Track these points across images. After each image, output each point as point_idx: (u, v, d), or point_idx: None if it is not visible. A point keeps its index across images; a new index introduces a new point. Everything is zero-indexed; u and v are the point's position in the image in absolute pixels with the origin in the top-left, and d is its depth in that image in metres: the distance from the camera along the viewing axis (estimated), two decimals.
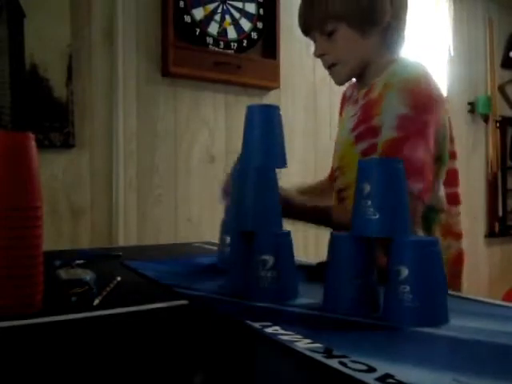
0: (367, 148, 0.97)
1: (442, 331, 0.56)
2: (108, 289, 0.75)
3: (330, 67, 1.03)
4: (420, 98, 0.90)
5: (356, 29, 0.97)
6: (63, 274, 0.75)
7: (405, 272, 0.59)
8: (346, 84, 1.11)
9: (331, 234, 0.68)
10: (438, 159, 0.94)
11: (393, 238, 0.62)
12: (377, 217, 0.62)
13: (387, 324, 0.59)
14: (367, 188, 0.64)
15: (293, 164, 2.29)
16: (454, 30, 2.84)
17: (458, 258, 1.00)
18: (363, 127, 0.99)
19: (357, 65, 1.02)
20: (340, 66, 1.01)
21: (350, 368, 0.44)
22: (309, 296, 0.74)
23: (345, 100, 1.20)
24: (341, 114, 1.21)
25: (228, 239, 0.91)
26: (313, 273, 0.93)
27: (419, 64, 0.97)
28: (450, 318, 0.60)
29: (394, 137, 0.90)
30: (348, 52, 1.00)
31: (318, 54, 1.02)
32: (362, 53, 1.00)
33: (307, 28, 1.03)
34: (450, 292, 0.83)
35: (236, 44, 1.99)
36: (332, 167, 1.23)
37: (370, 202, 0.63)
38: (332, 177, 1.24)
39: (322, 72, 2.30)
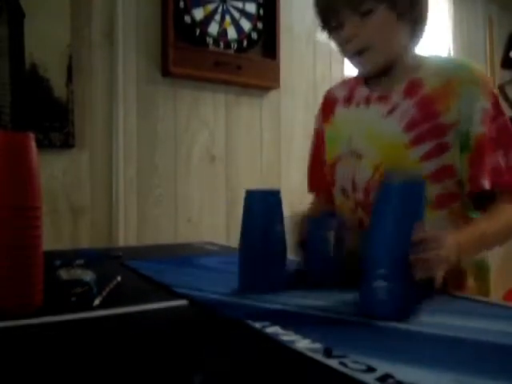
0: (431, 150, 0.88)
1: (442, 331, 0.56)
2: (108, 289, 0.75)
3: (359, 53, 0.91)
4: (496, 94, 0.90)
5: (394, 12, 0.88)
6: (63, 273, 0.75)
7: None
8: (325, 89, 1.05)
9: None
10: None
11: None
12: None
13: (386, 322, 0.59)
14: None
15: (293, 164, 2.28)
16: (453, 29, 2.84)
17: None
18: (425, 126, 0.88)
19: (388, 53, 0.92)
20: (372, 53, 0.90)
21: (349, 368, 0.44)
22: (309, 297, 0.74)
23: (334, 103, 1.07)
24: (327, 119, 1.08)
25: None
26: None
27: (465, 59, 0.97)
28: (451, 318, 0.60)
29: (484, 132, 0.87)
30: (383, 36, 0.90)
31: (352, 35, 0.90)
32: (395, 40, 0.91)
33: (337, 6, 0.90)
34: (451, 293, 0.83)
35: (236, 44, 1.99)
36: (316, 186, 1.15)
37: None
38: (326, 195, 1.10)
39: (322, 72, 2.31)
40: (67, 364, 0.47)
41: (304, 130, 2.20)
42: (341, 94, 1.06)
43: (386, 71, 0.94)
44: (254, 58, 2.03)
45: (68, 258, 1.02)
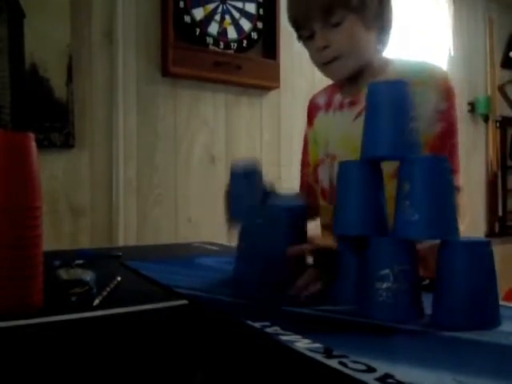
0: None
1: (441, 331, 0.56)
2: (108, 289, 0.75)
3: (329, 62, 0.96)
4: (455, 94, 0.93)
5: (363, 21, 0.93)
6: (63, 273, 0.75)
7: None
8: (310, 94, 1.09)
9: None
10: None
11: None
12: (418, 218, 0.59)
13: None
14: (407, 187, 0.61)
15: (293, 164, 2.28)
16: (454, 29, 2.84)
17: None
18: None
19: (357, 61, 0.97)
20: (342, 61, 0.95)
21: (349, 368, 0.44)
22: (309, 296, 0.74)
23: (316, 109, 1.13)
24: (310, 124, 1.15)
25: None
26: None
27: (428, 62, 0.98)
28: None
29: (439, 131, 0.91)
30: (353, 45, 0.95)
31: (323, 46, 0.94)
32: (365, 47, 0.97)
33: (308, 17, 0.94)
34: None
35: (236, 44, 1.99)
36: (304, 184, 1.18)
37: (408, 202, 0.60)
38: (311, 199, 1.12)
39: None
40: (67, 364, 0.47)
41: (304, 129, 2.20)
42: (321, 101, 1.14)
43: (355, 77, 0.99)
44: (254, 58, 2.04)
45: (68, 258, 1.02)
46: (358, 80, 1.01)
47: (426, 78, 0.93)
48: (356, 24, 0.93)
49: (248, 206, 0.81)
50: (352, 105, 1.02)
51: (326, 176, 1.06)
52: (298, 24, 0.98)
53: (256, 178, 0.84)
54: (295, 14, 0.98)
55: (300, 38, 1.00)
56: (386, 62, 1.00)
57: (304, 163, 1.21)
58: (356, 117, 0.99)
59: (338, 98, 1.07)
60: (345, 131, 1.01)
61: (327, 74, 1.00)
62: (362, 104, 0.99)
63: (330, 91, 1.12)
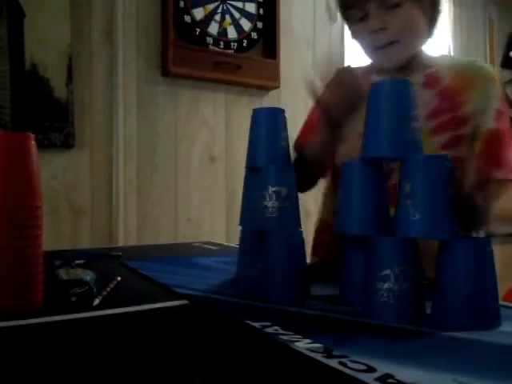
0: (450, 140, 0.90)
1: (442, 331, 0.56)
2: (108, 289, 0.75)
3: (384, 46, 0.90)
4: (503, 93, 0.95)
5: (421, 6, 0.89)
6: (63, 273, 0.75)
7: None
8: None
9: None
10: None
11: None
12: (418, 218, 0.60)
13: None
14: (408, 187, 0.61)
15: None
16: (454, 30, 2.84)
17: None
18: (447, 116, 0.91)
19: (414, 47, 0.92)
20: (398, 46, 0.90)
21: (350, 368, 0.44)
22: (309, 296, 0.74)
23: None
24: None
25: None
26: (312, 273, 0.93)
27: (477, 60, 1.00)
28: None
29: (496, 128, 0.90)
30: (411, 31, 0.90)
31: (380, 28, 0.88)
32: (421, 35, 0.92)
33: None
34: None
35: (236, 44, 2.00)
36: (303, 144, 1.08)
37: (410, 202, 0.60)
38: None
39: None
40: (67, 364, 0.47)
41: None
42: None
43: (404, 64, 0.94)
44: (254, 58, 2.04)
45: (68, 258, 1.02)
46: (406, 68, 0.95)
47: (482, 71, 0.93)
48: (414, 9, 0.88)
49: None
50: None
51: (354, 155, 0.99)
52: (348, 3, 0.91)
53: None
54: None
55: (348, 19, 0.94)
56: (431, 56, 0.98)
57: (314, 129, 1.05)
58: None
59: (376, 79, 0.98)
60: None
61: (380, 58, 0.94)
62: (423, 90, 0.95)
63: (362, 73, 1.03)
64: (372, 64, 1.03)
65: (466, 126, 0.91)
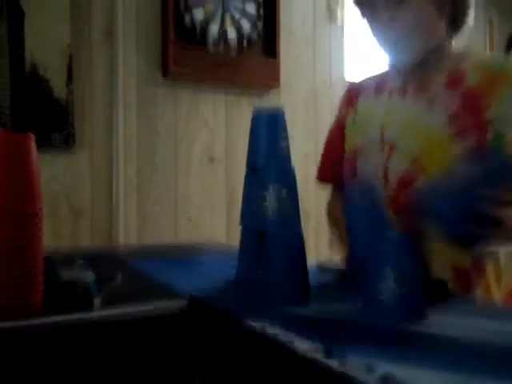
0: (474, 145, 0.83)
1: (442, 331, 0.56)
2: (108, 289, 0.75)
3: (396, 40, 0.89)
4: None
5: (432, 2, 0.86)
6: (63, 273, 0.75)
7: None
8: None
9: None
10: None
11: None
12: None
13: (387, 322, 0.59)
14: None
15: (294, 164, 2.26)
16: None
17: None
18: (469, 120, 0.85)
19: (426, 43, 0.90)
20: (409, 40, 0.88)
21: (350, 368, 0.44)
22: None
23: (361, 91, 1.05)
24: (352, 106, 1.05)
25: None
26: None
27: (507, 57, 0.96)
28: (451, 318, 0.60)
29: None
30: (420, 25, 0.87)
31: (388, 20, 0.87)
32: (433, 31, 0.89)
33: None
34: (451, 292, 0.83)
35: (236, 44, 1.99)
36: (330, 175, 1.12)
37: None
38: (336, 180, 1.09)
39: (322, 72, 2.31)
40: (67, 364, 0.47)
41: (304, 129, 2.20)
42: (369, 84, 1.04)
43: (423, 62, 0.92)
44: (254, 58, 2.03)
45: (68, 258, 1.02)
46: (427, 66, 0.92)
47: (509, 73, 0.85)
48: (425, 3, 0.86)
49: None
50: (420, 90, 0.93)
51: (375, 166, 0.94)
52: (362, 0, 0.91)
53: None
54: None
55: (363, 16, 0.94)
56: (462, 51, 0.94)
57: (337, 151, 1.07)
58: (428, 104, 0.90)
59: (396, 81, 0.98)
60: (409, 118, 0.92)
61: (394, 53, 0.93)
62: (434, 92, 0.91)
63: (381, 77, 1.04)
64: (390, 67, 1.01)
65: (488, 132, 0.83)
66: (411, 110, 0.93)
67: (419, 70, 0.93)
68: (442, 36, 0.92)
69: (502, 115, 0.83)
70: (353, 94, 1.08)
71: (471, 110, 0.85)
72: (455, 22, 0.92)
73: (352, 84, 1.11)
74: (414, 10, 0.86)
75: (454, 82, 0.89)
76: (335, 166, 1.07)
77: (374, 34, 0.93)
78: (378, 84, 1.02)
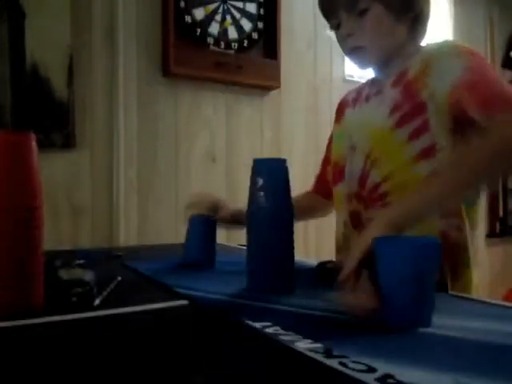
0: (418, 127, 0.88)
1: (442, 331, 0.56)
2: (108, 289, 0.75)
3: (353, 50, 0.95)
4: (479, 56, 0.91)
5: (391, 12, 0.91)
6: (63, 273, 0.75)
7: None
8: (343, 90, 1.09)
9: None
10: None
11: None
12: None
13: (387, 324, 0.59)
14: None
15: (293, 165, 2.28)
16: (454, 30, 2.84)
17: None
18: (407, 107, 0.90)
19: (384, 51, 0.95)
20: (365, 51, 0.94)
21: (349, 368, 0.44)
22: (308, 296, 0.74)
23: (345, 106, 1.12)
24: (338, 121, 1.13)
25: None
26: (322, 273, 0.93)
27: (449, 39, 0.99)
28: (451, 318, 0.60)
29: (461, 77, 0.84)
30: (379, 35, 0.93)
31: (347, 33, 0.93)
32: (391, 39, 0.94)
33: (334, 6, 0.94)
34: (451, 292, 0.83)
35: (237, 44, 1.99)
36: (320, 179, 1.25)
37: None
38: (319, 189, 1.24)
39: (322, 72, 2.31)
40: (67, 364, 0.47)
41: (305, 129, 2.20)
42: (351, 97, 1.12)
43: (384, 66, 0.98)
44: (255, 58, 2.03)
45: (68, 257, 1.02)
46: (386, 69, 0.99)
47: (442, 53, 0.91)
48: (383, 13, 0.91)
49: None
50: (377, 95, 0.99)
51: (349, 169, 1.01)
52: (326, 13, 0.98)
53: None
54: (323, 2, 0.98)
55: (330, 27, 0.99)
56: (417, 50, 0.97)
57: (325, 160, 1.23)
58: (378, 105, 0.96)
59: (366, 90, 1.05)
60: (365, 120, 0.99)
61: (353, 61, 0.99)
62: (384, 93, 0.96)
63: (361, 86, 1.10)
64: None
65: (428, 110, 0.87)
66: (367, 113, 1.00)
67: (380, 74, 1.01)
68: (402, 39, 0.96)
69: (437, 84, 0.87)
70: (340, 107, 1.15)
71: (409, 97, 0.91)
72: (416, 27, 0.97)
73: (342, 98, 1.18)
74: (372, 21, 0.91)
75: (399, 80, 0.95)
76: (327, 181, 1.18)
77: (339, 44, 0.99)
78: (358, 94, 1.09)
